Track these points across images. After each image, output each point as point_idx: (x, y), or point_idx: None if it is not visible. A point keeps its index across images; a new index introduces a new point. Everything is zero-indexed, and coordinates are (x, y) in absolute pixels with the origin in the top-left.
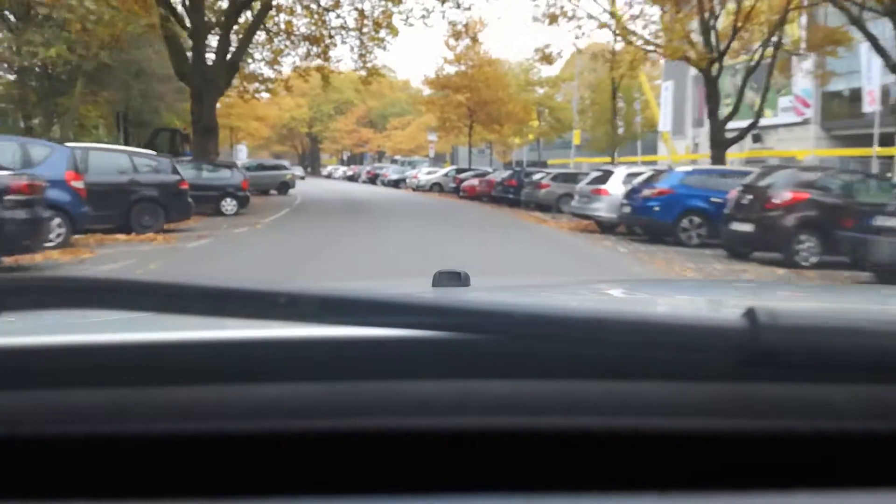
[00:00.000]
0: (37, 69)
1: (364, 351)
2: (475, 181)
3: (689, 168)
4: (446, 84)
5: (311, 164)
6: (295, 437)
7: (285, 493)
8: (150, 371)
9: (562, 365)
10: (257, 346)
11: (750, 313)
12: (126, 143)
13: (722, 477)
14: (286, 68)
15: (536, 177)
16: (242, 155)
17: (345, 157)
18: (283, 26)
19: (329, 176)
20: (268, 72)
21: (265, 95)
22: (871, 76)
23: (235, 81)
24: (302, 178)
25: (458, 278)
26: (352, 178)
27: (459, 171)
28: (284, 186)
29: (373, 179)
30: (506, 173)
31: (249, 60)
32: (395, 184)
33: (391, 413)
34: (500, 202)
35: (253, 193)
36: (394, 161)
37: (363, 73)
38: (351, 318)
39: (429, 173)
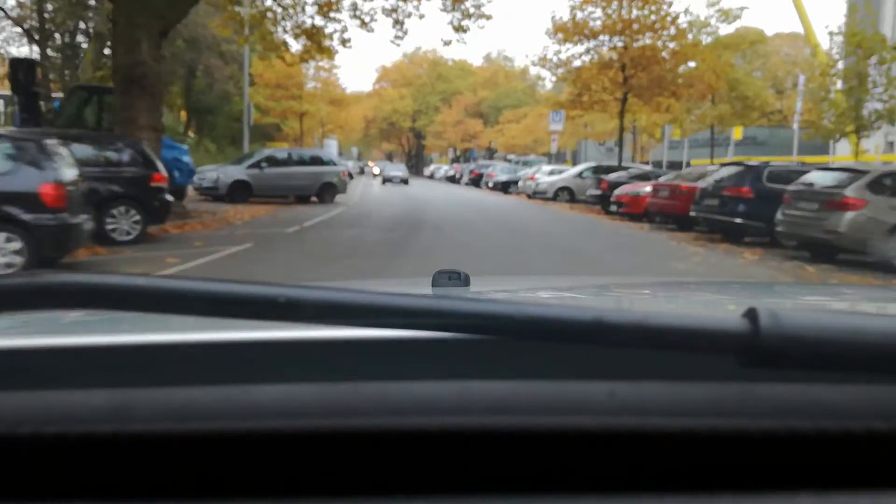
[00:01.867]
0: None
1: (364, 351)
2: (643, 187)
3: None
4: (588, 32)
5: (416, 162)
6: (295, 437)
7: (285, 493)
8: (150, 371)
9: (562, 365)
10: (257, 347)
11: (751, 313)
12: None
13: (723, 477)
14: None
15: (822, 181)
16: (332, 150)
17: (451, 156)
18: None
19: (431, 176)
20: (321, 24)
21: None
22: None
23: (292, 40)
24: (404, 180)
25: (458, 278)
26: (453, 179)
27: (600, 169)
28: (328, 190)
29: (476, 181)
30: (724, 172)
31: (299, 10)
32: (504, 187)
33: (391, 413)
34: (700, 228)
35: (288, 202)
36: (506, 159)
37: (457, 15)
38: (350, 318)
39: (552, 173)
